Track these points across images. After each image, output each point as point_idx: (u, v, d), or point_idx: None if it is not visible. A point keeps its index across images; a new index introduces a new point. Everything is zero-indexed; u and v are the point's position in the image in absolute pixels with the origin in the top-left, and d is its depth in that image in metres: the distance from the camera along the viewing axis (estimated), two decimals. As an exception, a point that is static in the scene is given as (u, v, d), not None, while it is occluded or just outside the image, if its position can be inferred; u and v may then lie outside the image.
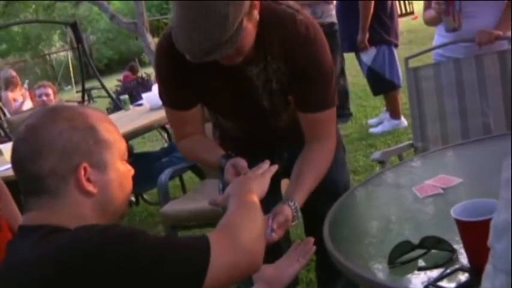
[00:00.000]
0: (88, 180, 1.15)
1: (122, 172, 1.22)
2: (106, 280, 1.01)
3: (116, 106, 9.24)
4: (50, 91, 5.05)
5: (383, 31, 5.27)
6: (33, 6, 18.70)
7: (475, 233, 1.24)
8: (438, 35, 3.12)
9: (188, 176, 4.83)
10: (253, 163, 1.80)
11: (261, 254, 1.22)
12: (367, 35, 5.20)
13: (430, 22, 3.14)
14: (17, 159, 1.16)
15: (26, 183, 1.16)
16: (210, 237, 1.14)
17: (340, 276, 2.04)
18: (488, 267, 0.66)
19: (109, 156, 1.18)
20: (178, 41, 1.51)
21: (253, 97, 1.77)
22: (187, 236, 1.20)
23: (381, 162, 2.68)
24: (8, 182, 2.30)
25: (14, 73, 8.69)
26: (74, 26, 9.31)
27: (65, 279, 1.01)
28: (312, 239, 1.61)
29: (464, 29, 2.86)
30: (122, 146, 1.23)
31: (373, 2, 5.10)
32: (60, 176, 1.13)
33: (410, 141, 2.94)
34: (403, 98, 5.70)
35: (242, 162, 1.67)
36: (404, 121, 5.51)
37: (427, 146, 2.85)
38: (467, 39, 2.89)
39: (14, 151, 1.16)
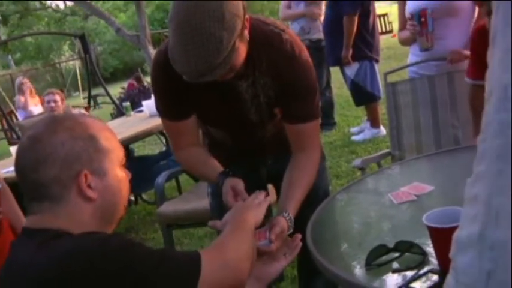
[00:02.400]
0: (89, 186, 1.13)
1: (120, 178, 1.20)
2: (104, 285, 0.99)
3: (119, 112, 9.20)
4: (57, 98, 4.99)
5: (365, 48, 5.28)
6: (46, 19, 18.65)
7: (445, 239, 1.22)
8: (412, 54, 3.13)
9: (184, 177, 4.80)
10: (240, 169, 1.79)
11: (245, 272, 1.22)
12: (351, 51, 5.22)
13: (405, 42, 3.15)
14: (20, 168, 1.14)
15: (29, 189, 1.14)
16: (202, 252, 1.14)
17: (320, 274, 2.02)
18: (450, 279, 0.64)
19: (108, 164, 1.16)
20: (175, 63, 1.48)
21: (242, 110, 1.75)
22: (180, 250, 1.19)
23: (361, 169, 2.68)
24: (13, 183, 2.26)
25: (24, 80, 8.77)
26: (82, 38, 9.30)
27: (64, 284, 0.99)
28: (299, 235, 1.58)
29: (435, 49, 2.87)
30: (120, 153, 1.21)
31: (356, 21, 5.11)
32: (63, 183, 1.11)
33: (388, 150, 2.94)
34: (382, 108, 5.72)
35: (240, 186, 1.66)
36: (383, 130, 5.53)
37: (404, 155, 2.85)
38: (438, 58, 2.90)
39: (18, 160, 1.14)
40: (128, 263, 1.02)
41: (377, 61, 5.46)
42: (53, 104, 4.93)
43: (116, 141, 1.21)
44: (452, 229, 1.20)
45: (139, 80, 11.80)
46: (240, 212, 1.42)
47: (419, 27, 2.79)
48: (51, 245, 1.04)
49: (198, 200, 3.12)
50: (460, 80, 2.81)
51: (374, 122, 5.59)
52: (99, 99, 14.14)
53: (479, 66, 2.43)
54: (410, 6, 2.92)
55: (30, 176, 1.11)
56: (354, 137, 5.68)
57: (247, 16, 1.50)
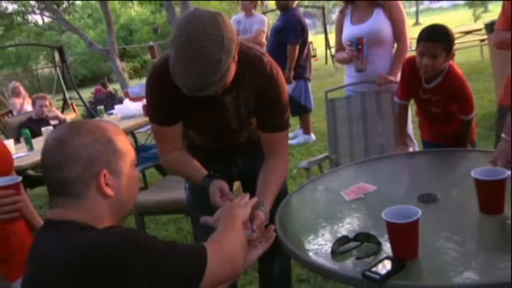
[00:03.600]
0: (107, 184, 1.05)
1: (132, 177, 1.12)
2: (121, 276, 0.90)
3: (89, 114, 8.84)
4: (47, 103, 4.86)
5: (301, 70, 5.31)
6: (26, 32, 17.84)
7: (401, 232, 1.22)
8: (348, 76, 3.13)
9: (149, 171, 4.66)
10: (214, 169, 1.72)
11: (241, 263, 1.17)
12: (290, 73, 5.23)
13: (341, 61, 3.15)
14: (46, 167, 1.04)
15: (53, 186, 1.04)
16: (207, 247, 1.08)
17: (276, 256, 1.97)
18: None
19: (123, 164, 1.08)
20: (177, 78, 1.39)
21: (225, 120, 1.69)
22: (187, 243, 1.12)
23: (306, 169, 2.67)
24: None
25: (16, 84, 8.34)
26: (61, 50, 8.87)
27: (86, 275, 0.90)
28: (273, 226, 1.51)
29: (367, 71, 2.89)
30: (132, 154, 1.13)
31: (298, 48, 5.13)
32: (84, 181, 1.03)
33: (327, 154, 2.93)
34: (312, 118, 5.77)
35: (226, 187, 1.59)
36: (313, 136, 5.58)
37: (339, 159, 2.86)
38: (369, 80, 2.92)
39: (44, 160, 1.05)
40: (143, 256, 0.94)
41: (310, 80, 5.50)
42: (44, 108, 4.83)
43: (129, 144, 1.13)
44: (407, 224, 1.20)
45: (104, 85, 11.49)
46: (230, 210, 1.34)
47: (356, 52, 2.80)
48: (78, 237, 0.95)
49: (165, 192, 3.06)
50: (385, 98, 2.85)
51: (306, 130, 5.62)
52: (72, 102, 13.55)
53: (405, 90, 2.49)
54: (346, 34, 2.93)
55: (55, 174, 1.02)
56: (289, 141, 5.67)
57: (238, 41, 1.44)
